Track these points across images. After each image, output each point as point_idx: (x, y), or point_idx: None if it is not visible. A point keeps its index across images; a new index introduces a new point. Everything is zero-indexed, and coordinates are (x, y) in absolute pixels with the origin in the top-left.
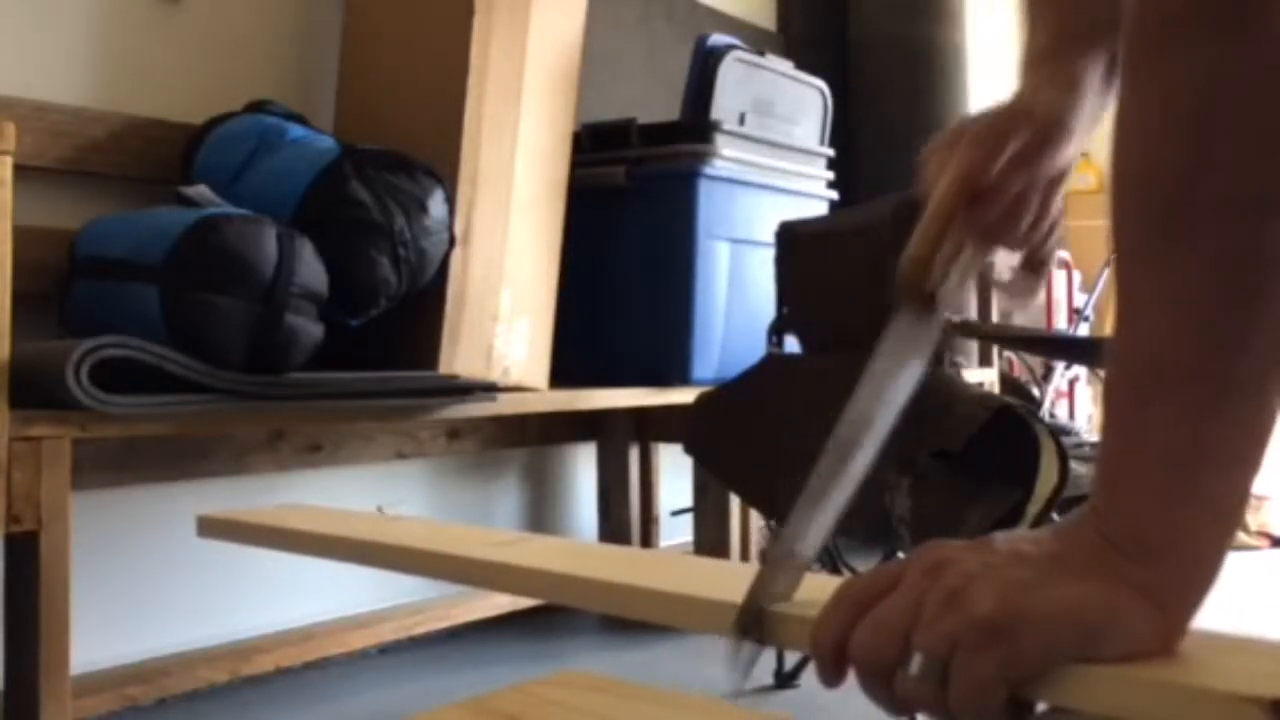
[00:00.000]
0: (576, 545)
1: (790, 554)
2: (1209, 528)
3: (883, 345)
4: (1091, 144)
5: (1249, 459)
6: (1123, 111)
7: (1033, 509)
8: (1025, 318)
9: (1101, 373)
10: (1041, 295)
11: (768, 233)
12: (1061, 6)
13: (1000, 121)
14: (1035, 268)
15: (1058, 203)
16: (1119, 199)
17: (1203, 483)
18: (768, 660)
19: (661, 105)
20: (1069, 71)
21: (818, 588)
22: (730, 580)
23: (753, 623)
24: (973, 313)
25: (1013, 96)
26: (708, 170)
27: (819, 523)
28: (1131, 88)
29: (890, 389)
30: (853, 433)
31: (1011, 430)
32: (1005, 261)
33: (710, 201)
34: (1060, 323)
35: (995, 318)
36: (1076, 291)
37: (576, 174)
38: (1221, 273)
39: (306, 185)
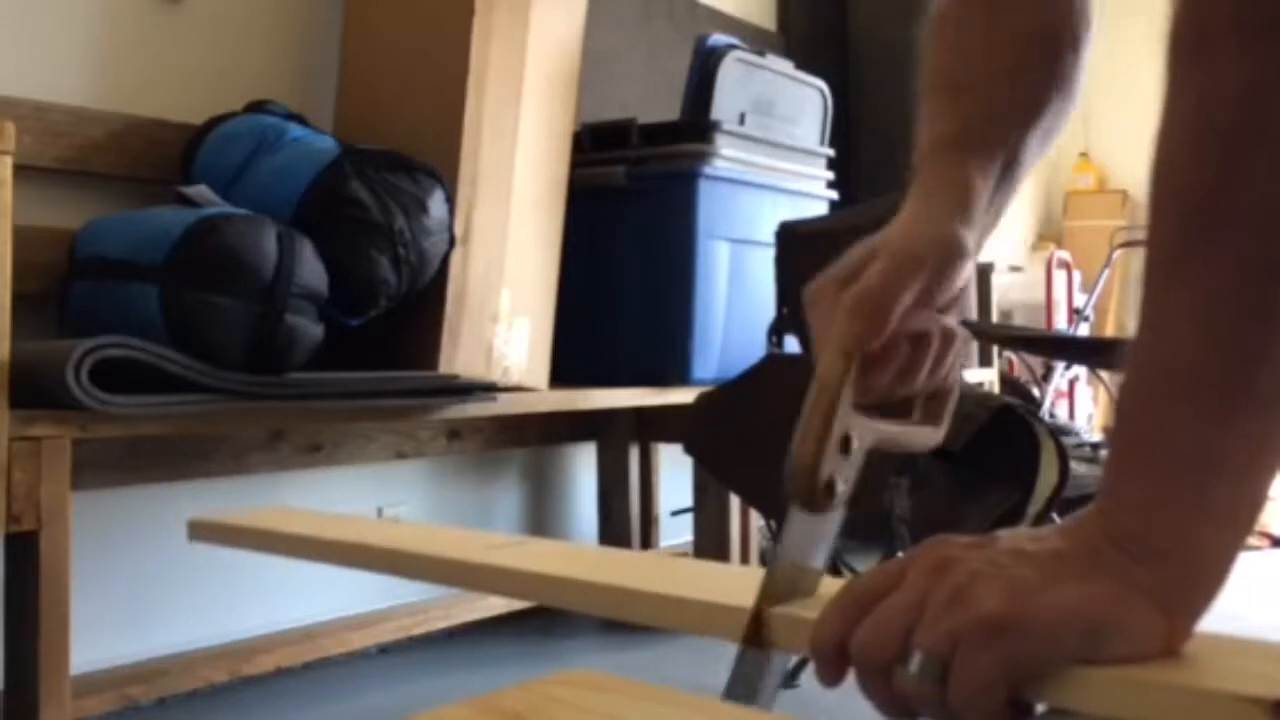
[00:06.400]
0: (572, 548)
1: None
2: (1217, 533)
3: (776, 559)
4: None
5: (1262, 468)
6: (1161, 120)
7: (1033, 509)
8: (1025, 318)
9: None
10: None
11: (768, 233)
12: (960, 104)
13: (893, 267)
14: (937, 405)
15: (955, 328)
16: (1153, 205)
17: (1212, 488)
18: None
19: (661, 105)
20: (964, 176)
21: (820, 589)
22: (727, 583)
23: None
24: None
25: (903, 217)
26: (708, 170)
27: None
28: (1169, 96)
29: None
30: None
31: (1011, 430)
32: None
33: (710, 201)
34: (1060, 323)
35: (995, 317)
36: (1076, 291)
37: (576, 174)
38: (1247, 282)
39: (306, 185)
